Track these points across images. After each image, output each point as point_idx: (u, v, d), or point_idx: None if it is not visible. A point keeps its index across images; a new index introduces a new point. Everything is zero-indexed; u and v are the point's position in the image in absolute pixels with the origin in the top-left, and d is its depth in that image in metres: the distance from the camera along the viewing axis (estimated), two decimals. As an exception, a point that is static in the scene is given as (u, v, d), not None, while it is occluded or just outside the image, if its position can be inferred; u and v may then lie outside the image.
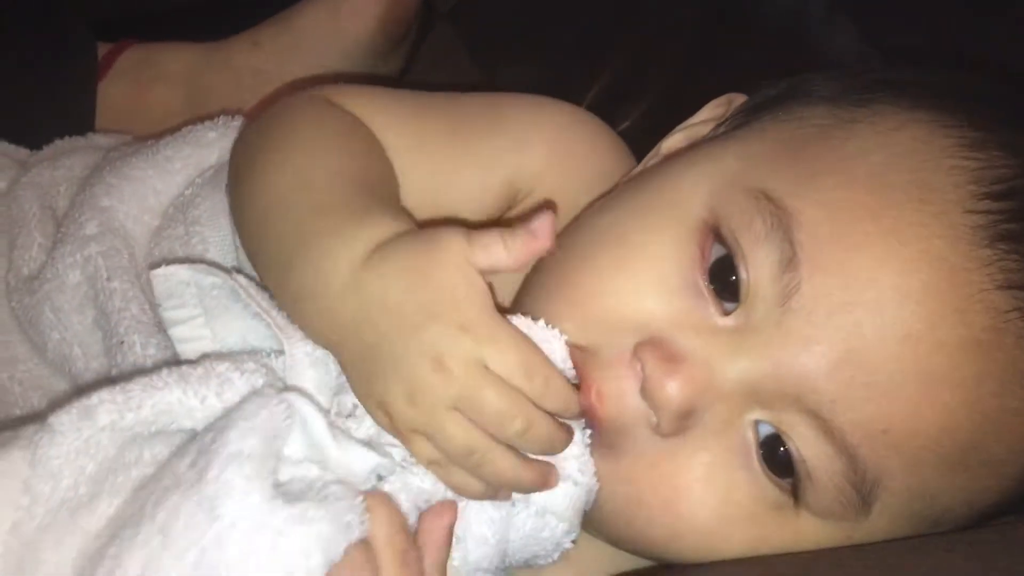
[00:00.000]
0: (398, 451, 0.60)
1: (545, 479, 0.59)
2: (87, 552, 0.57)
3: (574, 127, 0.78)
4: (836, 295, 0.58)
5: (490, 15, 1.04)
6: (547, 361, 0.59)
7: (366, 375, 0.60)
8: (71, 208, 0.76)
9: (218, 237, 0.73)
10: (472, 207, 0.74)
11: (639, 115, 0.92)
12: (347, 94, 0.75)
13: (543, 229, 0.58)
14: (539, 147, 0.75)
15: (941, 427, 0.58)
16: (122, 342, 0.70)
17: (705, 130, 0.73)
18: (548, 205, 0.71)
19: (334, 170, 0.68)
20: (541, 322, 0.62)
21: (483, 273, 0.58)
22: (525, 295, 0.69)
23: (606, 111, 0.81)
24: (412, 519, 0.59)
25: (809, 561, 0.62)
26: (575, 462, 0.61)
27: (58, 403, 0.70)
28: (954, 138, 0.61)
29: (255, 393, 0.59)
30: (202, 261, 0.69)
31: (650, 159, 0.75)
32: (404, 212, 0.66)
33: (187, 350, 0.67)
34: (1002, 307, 0.58)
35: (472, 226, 0.61)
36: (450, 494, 0.60)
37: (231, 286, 0.65)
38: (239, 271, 0.68)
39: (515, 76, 0.81)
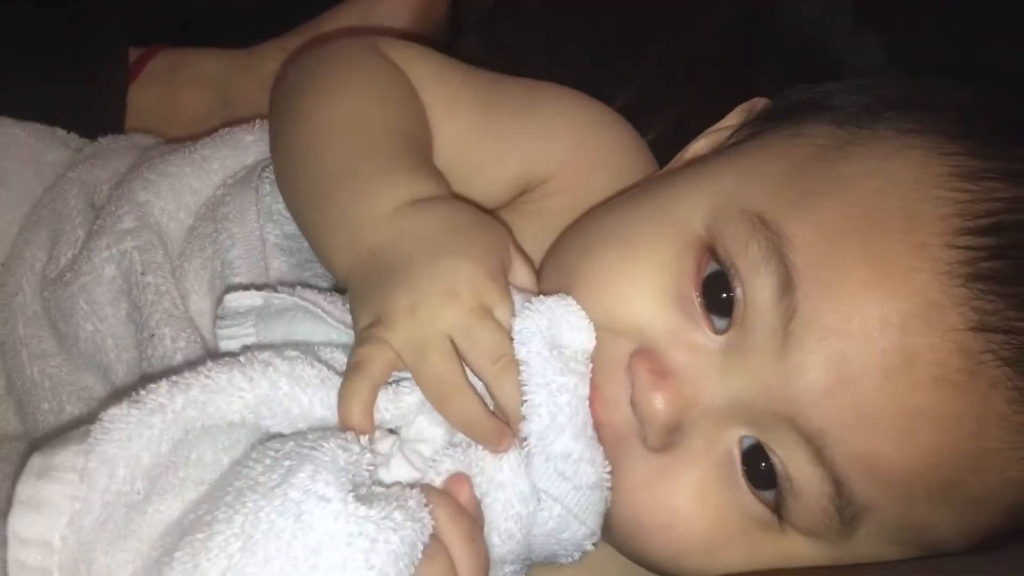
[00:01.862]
0: (426, 447, 0.61)
1: (500, 436, 0.60)
2: (146, 560, 0.57)
3: (602, 124, 0.79)
4: (827, 319, 0.58)
5: (516, 26, 1.05)
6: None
7: (371, 289, 0.62)
8: (108, 202, 0.77)
9: (244, 232, 0.75)
10: (485, 182, 0.76)
11: (664, 126, 0.93)
12: (397, 48, 0.77)
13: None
14: (564, 137, 0.76)
15: (925, 464, 0.58)
16: (152, 335, 0.71)
17: (726, 136, 0.74)
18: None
19: (386, 120, 0.71)
20: (580, 310, 0.63)
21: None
22: (541, 278, 0.69)
23: (631, 122, 0.81)
24: None
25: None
26: (572, 433, 0.60)
27: (100, 403, 0.73)
28: (949, 167, 0.60)
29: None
30: (267, 286, 0.70)
31: (675, 163, 0.75)
32: (449, 185, 0.69)
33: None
34: (974, 349, 0.56)
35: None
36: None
37: (302, 305, 0.66)
38: (304, 285, 0.70)
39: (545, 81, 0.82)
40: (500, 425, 0.60)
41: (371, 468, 0.57)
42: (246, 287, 0.69)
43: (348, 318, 0.64)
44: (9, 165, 0.84)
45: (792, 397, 0.58)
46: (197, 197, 0.78)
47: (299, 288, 0.67)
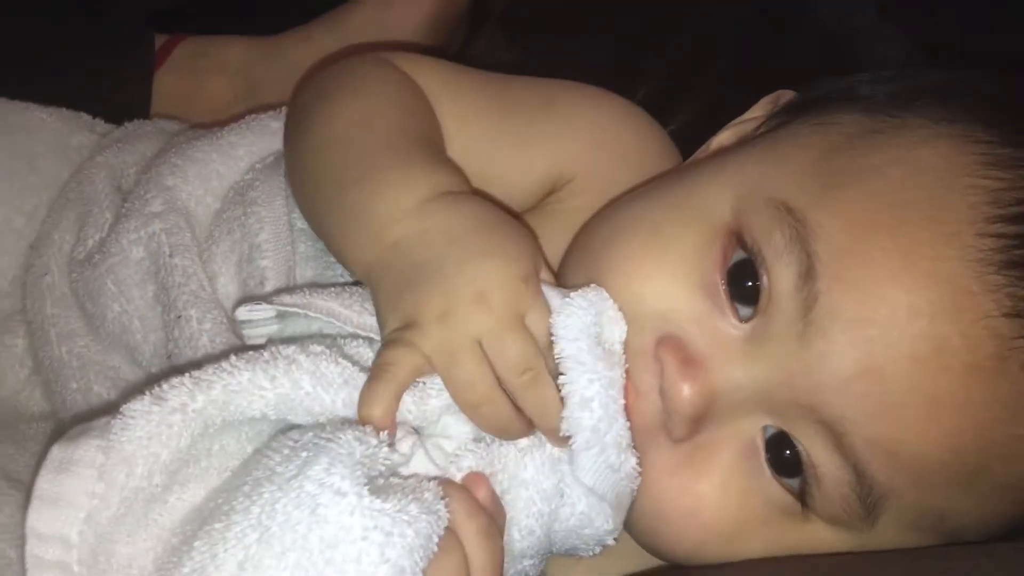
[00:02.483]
0: (449, 443, 0.61)
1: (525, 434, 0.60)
2: (166, 547, 0.57)
3: (622, 119, 0.79)
4: (851, 309, 0.58)
5: (539, 17, 1.06)
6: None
7: (399, 289, 0.61)
8: (136, 185, 0.78)
9: (273, 217, 0.75)
10: (509, 187, 0.75)
11: (686, 118, 0.93)
12: (407, 60, 0.77)
13: None
14: (584, 135, 0.76)
15: (949, 449, 0.58)
16: (179, 316, 0.72)
17: (752, 127, 0.74)
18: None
19: (400, 120, 0.71)
20: (614, 302, 0.62)
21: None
22: (562, 273, 0.69)
23: (653, 114, 0.81)
24: None
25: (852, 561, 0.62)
26: (615, 440, 0.60)
27: (127, 392, 0.73)
28: (979, 155, 0.60)
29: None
30: (276, 293, 0.70)
31: (700, 154, 0.75)
32: (467, 178, 0.69)
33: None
34: (1007, 335, 0.57)
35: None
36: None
37: (313, 319, 0.65)
38: (322, 285, 0.70)
39: (564, 77, 0.82)
40: (531, 429, 0.60)
41: (388, 461, 0.57)
42: (258, 299, 0.68)
43: (366, 320, 0.64)
44: (36, 149, 0.85)
45: (814, 385, 0.58)
46: (224, 182, 0.79)
47: (314, 292, 0.66)
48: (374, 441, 0.56)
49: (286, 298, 0.65)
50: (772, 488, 0.62)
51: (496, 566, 0.58)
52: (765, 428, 0.62)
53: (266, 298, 0.67)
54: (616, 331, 0.62)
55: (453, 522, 0.56)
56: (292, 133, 0.75)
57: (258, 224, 0.75)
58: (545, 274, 0.65)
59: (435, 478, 0.58)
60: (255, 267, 0.73)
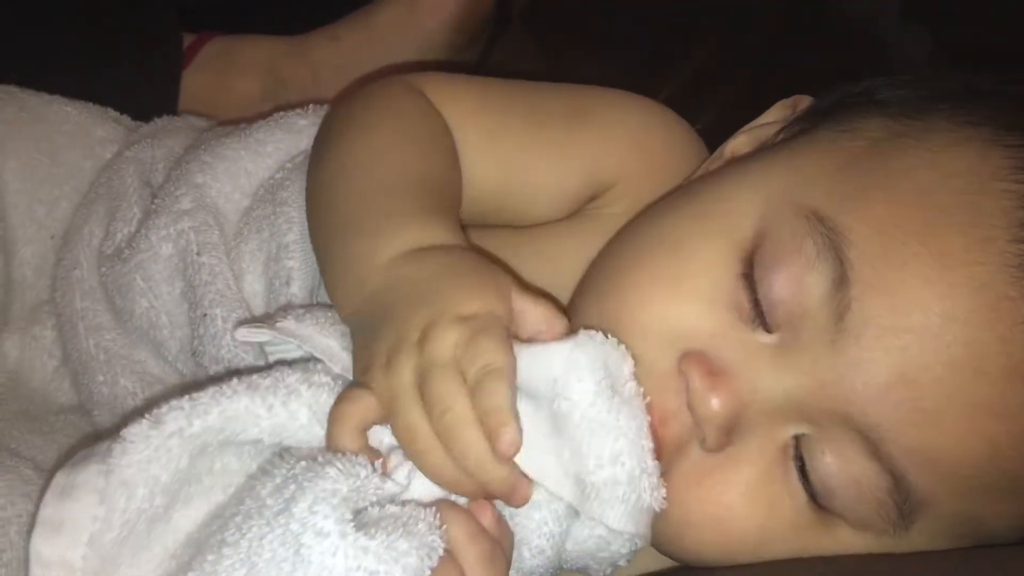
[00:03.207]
0: None
1: (477, 492, 0.56)
2: (167, 571, 0.57)
3: (656, 123, 0.78)
4: (885, 317, 0.57)
5: (564, 14, 1.06)
6: (505, 407, 0.55)
7: (365, 338, 0.60)
8: (166, 182, 0.79)
9: (302, 217, 0.75)
10: (549, 198, 0.75)
11: (711, 115, 0.93)
12: (432, 82, 0.76)
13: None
14: (622, 143, 0.76)
15: (987, 456, 0.57)
16: (205, 314, 0.72)
17: (770, 132, 0.73)
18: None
19: (408, 162, 0.70)
20: (613, 340, 0.60)
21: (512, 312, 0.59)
22: (582, 293, 0.69)
23: (678, 111, 0.81)
24: None
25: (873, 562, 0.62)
26: (650, 487, 0.58)
27: (154, 391, 0.74)
28: (1008, 159, 0.59)
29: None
30: (283, 313, 0.67)
31: (713, 161, 0.74)
32: (461, 232, 0.67)
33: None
34: None
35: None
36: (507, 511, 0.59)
37: (306, 355, 0.64)
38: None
39: (588, 75, 0.82)
40: (474, 483, 0.56)
41: (379, 491, 0.56)
42: (258, 321, 0.67)
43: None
44: (60, 141, 0.85)
45: (847, 393, 0.58)
46: (252, 179, 0.79)
47: (324, 322, 0.64)
48: (364, 472, 0.55)
49: (289, 324, 0.64)
50: (802, 496, 0.61)
51: None
52: (796, 436, 0.61)
53: (268, 321, 0.66)
54: (625, 369, 0.59)
55: (453, 547, 0.55)
56: (311, 164, 0.75)
57: (287, 224, 0.75)
58: (535, 311, 0.60)
59: (438, 501, 0.57)
60: (282, 267, 0.74)
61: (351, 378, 0.61)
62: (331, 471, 0.54)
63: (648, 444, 0.58)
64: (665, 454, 0.60)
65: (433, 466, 0.56)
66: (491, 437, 0.54)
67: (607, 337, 0.59)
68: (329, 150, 0.73)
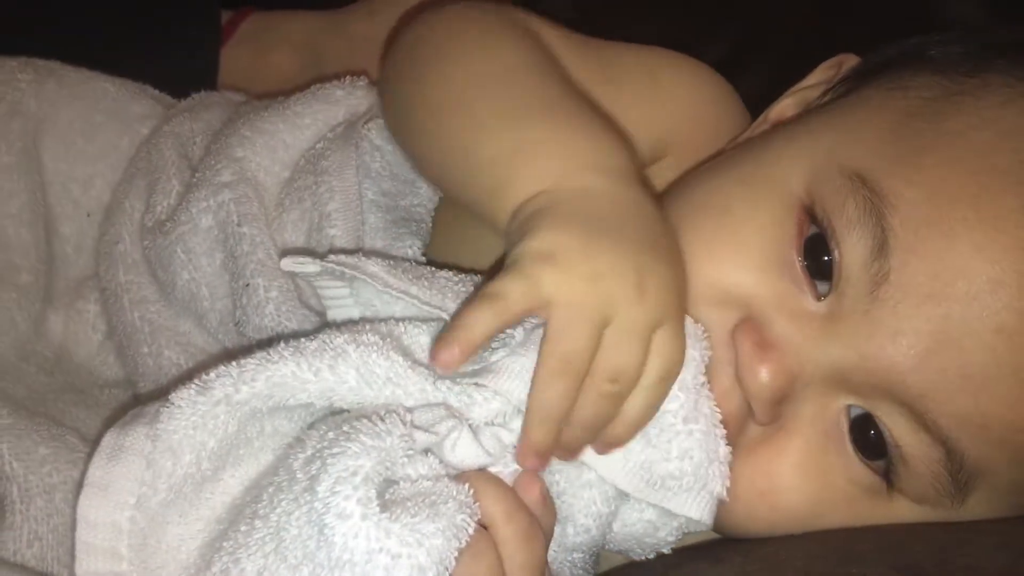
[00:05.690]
0: (509, 435, 0.58)
1: (545, 454, 0.57)
2: (211, 535, 0.57)
3: (716, 97, 0.78)
4: (926, 285, 0.56)
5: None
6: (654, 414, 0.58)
7: (569, 221, 0.57)
8: (206, 156, 0.79)
9: (344, 187, 0.75)
10: None
11: (755, 80, 0.92)
12: (515, 11, 0.75)
13: None
14: (685, 111, 0.76)
15: None
16: (247, 284, 0.73)
17: (815, 94, 0.72)
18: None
19: (556, 70, 0.69)
20: (698, 328, 0.60)
21: None
22: None
23: (724, 75, 0.81)
24: None
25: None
26: (719, 476, 0.59)
27: (200, 361, 0.74)
28: None
29: (388, 410, 0.56)
30: (330, 253, 0.67)
31: (759, 125, 0.74)
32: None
33: (336, 314, 0.67)
34: None
35: None
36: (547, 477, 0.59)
37: (358, 280, 0.63)
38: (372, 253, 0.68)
39: (632, 38, 0.81)
40: (570, 432, 0.56)
41: (410, 453, 0.55)
42: (305, 252, 0.67)
43: (417, 291, 0.61)
44: (97, 119, 0.86)
45: (888, 365, 0.57)
46: (290, 151, 0.79)
47: (373, 259, 0.64)
48: (398, 433, 0.54)
49: (339, 257, 0.63)
50: (856, 468, 0.61)
51: (535, 568, 0.55)
52: (849, 408, 0.60)
53: (318, 254, 0.66)
54: (698, 358, 0.59)
55: (490, 524, 0.54)
56: (408, 79, 0.71)
57: (328, 194, 0.75)
58: None
59: (476, 476, 0.56)
60: (324, 236, 0.74)
61: (394, 297, 0.60)
62: (354, 447, 0.53)
63: (720, 431, 0.58)
64: (730, 435, 0.59)
65: (552, 397, 0.54)
66: (626, 424, 0.56)
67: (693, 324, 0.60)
68: (440, 66, 0.69)
